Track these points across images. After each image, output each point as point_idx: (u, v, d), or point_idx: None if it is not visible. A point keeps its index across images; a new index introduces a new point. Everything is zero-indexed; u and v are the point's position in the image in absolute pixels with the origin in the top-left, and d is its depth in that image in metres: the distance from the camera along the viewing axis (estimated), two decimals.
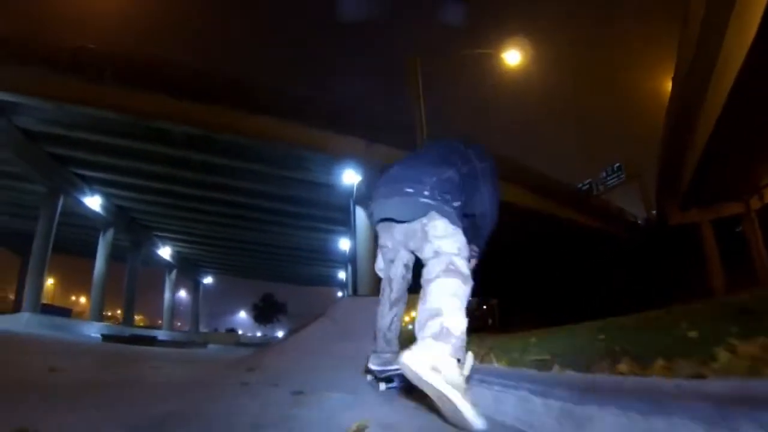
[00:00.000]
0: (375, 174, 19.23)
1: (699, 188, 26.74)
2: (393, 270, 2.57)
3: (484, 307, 77.34)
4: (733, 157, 23.22)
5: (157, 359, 5.16)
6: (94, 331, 18.55)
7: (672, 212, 30.84)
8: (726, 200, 29.51)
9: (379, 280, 2.71)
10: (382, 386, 2.61)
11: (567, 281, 45.61)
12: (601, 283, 41.07)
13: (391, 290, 2.58)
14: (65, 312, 33.26)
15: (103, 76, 16.81)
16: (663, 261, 37.07)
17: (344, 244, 25.97)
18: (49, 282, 62.55)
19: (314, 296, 79.51)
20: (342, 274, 34.27)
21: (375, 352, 2.56)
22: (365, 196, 19.14)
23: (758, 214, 30.45)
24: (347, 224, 20.62)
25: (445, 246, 2.00)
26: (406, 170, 2.40)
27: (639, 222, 40.93)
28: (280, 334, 69.51)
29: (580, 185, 52.84)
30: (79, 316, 32.86)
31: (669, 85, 23.75)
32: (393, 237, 2.48)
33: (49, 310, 26.69)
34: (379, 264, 2.71)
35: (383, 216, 2.46)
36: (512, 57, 13.87)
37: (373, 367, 2.54)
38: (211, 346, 19.90)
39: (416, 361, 1.59)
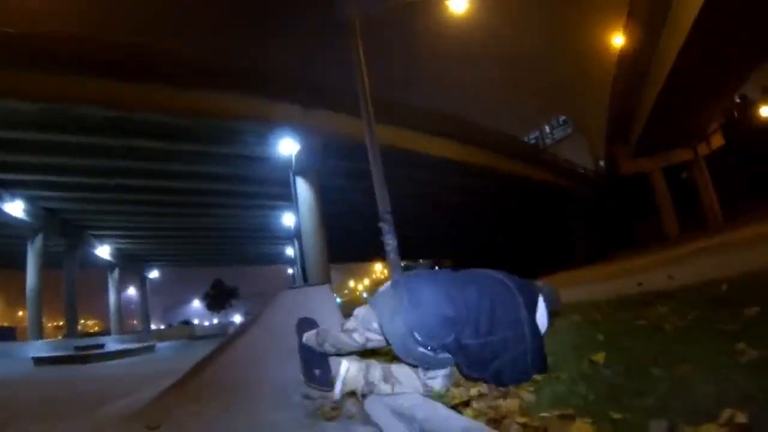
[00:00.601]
0: (315, 142, 18.56)
1: (649, 137, 27.44)
2: None
3: (437, 268, 78.01)
4: (682, 106, 23.95)
5: (49, 406, 4.09)
6: (34, 351, 16.91)
7: (623, 162, 31.60)
8: (675, 147, 30.46)
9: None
10: None
11: (524, 238, 46.43)
12: (559, 238, 41.90)
13: None
14: (9, 332, 30.89)
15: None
16: (618, 210, 37.93)
17: (288, 219, 24.98)
18: None
19: (265, 275, 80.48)
20: (290, 251, 33.56)
21: None
22: (305, 167, 18.62)
23: (706, 159, 31.56)
24: (290, 198, 19.61)
25: None
26: None
27: (589, 174, 41.45)
28: (237, 319, 69.84)
29: (527, 138, 53.13)
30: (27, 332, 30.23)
31: (616, 44, 24.12)
32: None
33: None
34: None
35: None
36: (458, 3, 12.66)
37: None
38: (161, 346, 18.88)
39: None
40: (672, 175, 32.44)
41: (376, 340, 2.12)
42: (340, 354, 2.35)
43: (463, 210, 36.60)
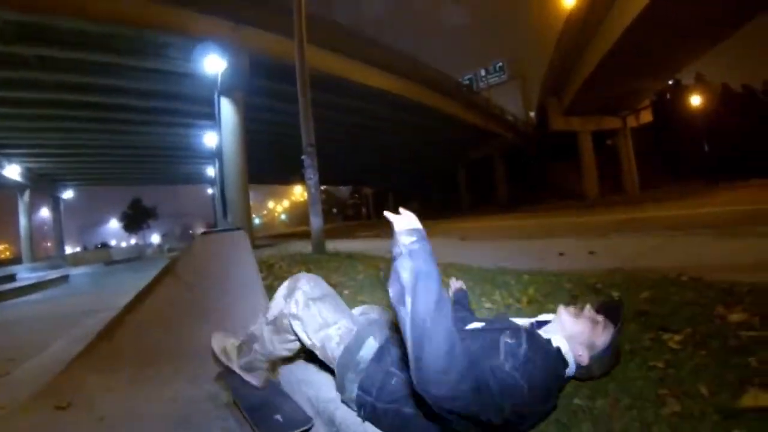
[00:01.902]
0: (243, 61, 17.82)
1: (584, 98, 28.31)
2: None
3: (356, 196, 78.99)
4: (622, 75, 25.03)
5: None
6: None
7: (554, 117, 32.54)
8: (606, 114, 31.87)
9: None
10: None
11: (447, 175, 47.70)
12: (483, 181, 43.39)
13: None
14: None
15: None
16: (542, 162, 39.45)
17: (210, 138, 24.08)
18: None
19: (185, 195, 78.79)
20: (211, 171, 32.59)
21: None
22: (231, 86, 17.87)
23: (633, 131, 33.46)
24: (212, 117, 19.13)
25: None
26: None
27: (518, 123, 42.60)
28: (155, 239, 68.18)
29: (462, 79, 53.38)
30: None
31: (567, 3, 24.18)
32: None
33: None
34: None
35: None
36: None
37: None
38: (77, 273, 17.69)
39: None
40: (598, 140, 34.08)
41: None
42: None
43: (391, 143, 37.18)
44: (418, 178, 53.56)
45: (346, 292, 4.07)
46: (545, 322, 1.61)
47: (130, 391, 2.28)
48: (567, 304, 1.67)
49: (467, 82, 60.05)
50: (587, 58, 24.77)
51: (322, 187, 79.69)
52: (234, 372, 2.14)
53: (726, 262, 3.51)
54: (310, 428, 1.71)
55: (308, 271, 5.75)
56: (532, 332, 1.42)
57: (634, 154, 34.19)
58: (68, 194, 43.20)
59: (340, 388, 1.54)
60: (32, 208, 36.43)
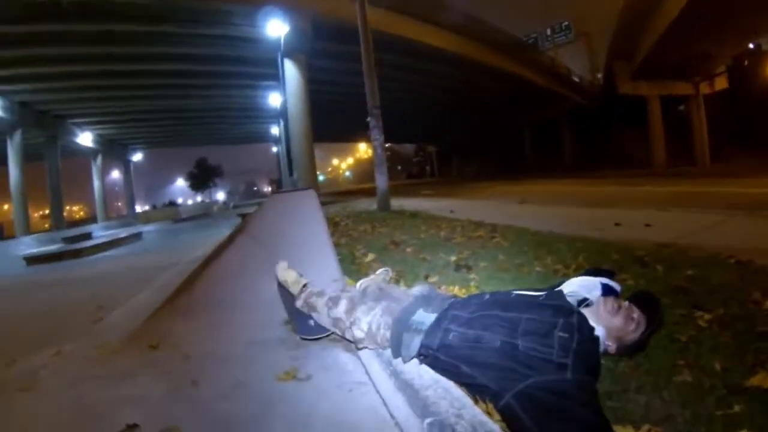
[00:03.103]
0: (305, 23, 17.94)
1: (654, 60, 26.51)
2: None
3: (421, 154, 78.42)
4: (697, 37, 22.88)
5: (51, 321, 4.07)
6: (23, 248, 16.99)
7: (622, 80, 30.69)
8: (677, 79, 29.81)
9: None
10: None
11: (511, 137, 46.61)
12: (546, 142, 42.16)
13: None
14: None
15: None
16: (609, 127, 37.77)
17: (275, 99, 24.56)
18: None
19: (249, 153, 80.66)
20: (275, 130, 33.56)
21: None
22: (294, 49, 18.03)
23: (706, 99, 31.15)
24: (277, 78, 19.26)
25: None
26: None
27: (584, 84, 40.72)
28: (220, 197, 70.72)
29: (526, 38, 51.21)
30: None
31: None
32: None
33: None
34: None
35: None
36: None
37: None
38: (147, 230, 19.01)
39: None
40: (669, 106, 32.07)
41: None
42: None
43: (454, 102, 36.56)
44: (482, 138, 52.43)
45: (408, 249, 4.30)
46: (584, 300, 1.70)
47: (209, 334, 2.61)
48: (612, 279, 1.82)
49: (532, 41, 57.56)
50: (658, 17, 22.97)
51: (387, 145, 79.63)
52: (291, 295, 2.47)
53: None
54: (330, 334, 2.21)
55: (373, 228, 6.09)
56: (581, 324, 1.52)
57: (707, 123, 31.98)
58: (137, 157, 45.42)
59: (396, 347, 1.75)
60: (104, 171, 38.58)
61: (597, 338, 1.52)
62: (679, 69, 28.10)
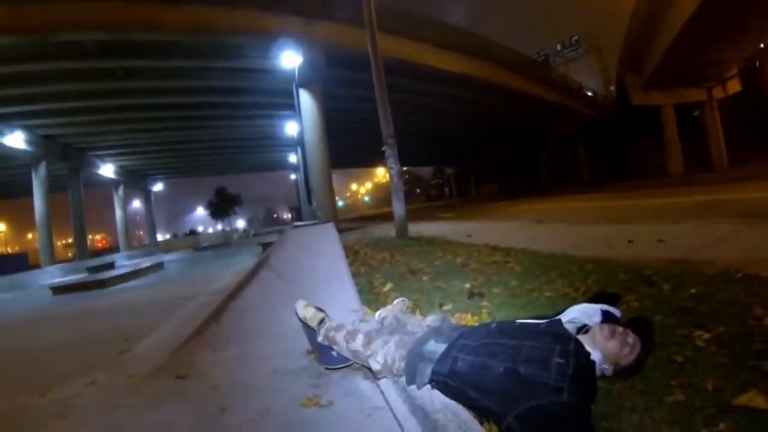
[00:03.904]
0: (318, 54, 18.37)
1: (665, 69, 26.48)
2: None
3: (439, 176, 78.64)
4: (706, 44, 23.02)
5: (80, 352, 4.21)
6: (48, 277, 17.44)
7: (634, 92, 30.68)
8: (689, 86, 29.76)
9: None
10: None
11: (527, 155, 46.56)
12: (561, 158, 42.03)
13: None
14: (21, 259, 31.58)
15: None
16: (624, 139, 37.62)
17: (291, 127, 25.12)
18: (0, 228, 60.51)
19: (268, 181, 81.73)
20: (293, 158, 34.04)
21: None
22: (308, 79, 18.52)
23: (720, 103, 30.93)
24: (293, 107, 19.87)
25: None
26: None
27: (597, 99, 40.71)
28: (240, 225, 71.51)
29: (536, 55, 51.50)
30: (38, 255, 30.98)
31: None
32: None
33: (2, 261, 26.00)
34: None
35: None
36: None
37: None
38: (169, 259, 19.39)
39: None
40: (682, 113, 31.90)
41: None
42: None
43: (468, 124, 36.90)
44: (498, 159, 52.71)
45: (425, 278, 4.43)
46: (584, 326, 1.86)
47: (236, 365, 2.75)
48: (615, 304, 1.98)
49: (543, 58, 57.86)
50: (667, 26, 23.03)
51: (405, 168, 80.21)
52: (312, 329, 2.61)
53: None
54: (351, 363, 2.34)
55: (392, 257, 6.23)
56: (577, 351, 1.64)
57: (722, 128, 31.72)
58: (158, 187, 46.51)
59: (410, 376, 1.89)
60: (126, 201, 39.60)
61: (593, 363, 1.64)
62: (691, 76, 28.05)
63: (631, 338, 1.71)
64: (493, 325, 1.98)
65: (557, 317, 1.94)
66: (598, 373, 1.66)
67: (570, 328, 1.84)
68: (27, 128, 22.96)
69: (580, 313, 1.93)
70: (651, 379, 1.68)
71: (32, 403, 2.66)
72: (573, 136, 40.56)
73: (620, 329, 1.75)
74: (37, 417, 2.40)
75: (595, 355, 1.67)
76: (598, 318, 1.89)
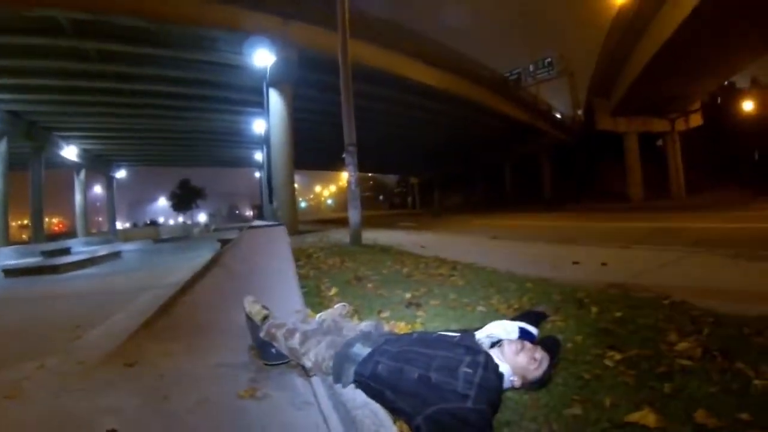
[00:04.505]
0: (291, 54, 18.37)
1: (631, 99, 27.53)
2: None
3: (403, 185, 79.13)
4: (671, 77, 23.97)
5: (30, 336, 4.22)
6: (1, 258, 16.82)
7: (602, 117, 31.77)
8: (654, 116, 30.93)
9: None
10: None
11: (493, 170, 47.32)
12: (526, 176, 42.93)
13: None
14: None
15: None
16: (589, 162, 38.70)
17: (259, 125, 24.93)
18: None
19: (232, 177, 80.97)
20: (259, 156, 33.70)
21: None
22: (279, 79, 18.50)
23: (682, 135, 32.28)
24: (262, 106, 19.73)
25: None
26: None
27: (565, 121, 41.81)
28: (202, 219, 70.60)
29: (509, 74, 52.48)
30: None
31: None
32: None
33: None
34: None
35: None
36: None
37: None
38: (127, 249, 18.70)
39: None
40: (646, 141, 33.22)
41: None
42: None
43: (436, 135, 37.32)
44: (463, 171, 53.33)
45: (369, 285, 4.55)
46: (498, 341, 2.03)
47: (183, 356, 2.83)
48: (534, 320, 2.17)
49: (515, 76, 58.88)
50: (636, 57, 24.08)
51: (370, 175, 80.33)
52: (256, 325, 2.72)
53: (729, 287, 3.63)
54: (289, 361, 2.45)
55: (342, 262, 6.35)
56: (486, 362, 1.81)
57: (683, 159, 32.99)
58: (121, 173, 45.39)
59: (337, 374, 2.04)
60: (87, 186, 38.51)
61: (501, 375, 1.81)
62: (656, 106, 29.22)
63: (539, 354, 1.88)
64: (415, 335, 2.18)
65: (474, 331, 2.12)
66: (507, 384, 1.82)
67: (485, 342, 2.02)
68: None
69: (499, 329, 2.12)
70: (556, 393, 1.83)
71: None
72: (539, 155, 41.53)
73: (529, 345, 1.92)
74: None
75: (504, 368, 1.83)
76: (515, 335, 2.08)
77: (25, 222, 41.36)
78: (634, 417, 1.57)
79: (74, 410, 2.13)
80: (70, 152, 32.40)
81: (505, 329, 2.13)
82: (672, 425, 1.53)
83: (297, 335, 2.37)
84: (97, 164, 39.11)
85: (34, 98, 23.04)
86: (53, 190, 35.16)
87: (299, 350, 2.29)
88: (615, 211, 20.77)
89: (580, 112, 43.37)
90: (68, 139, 31.56)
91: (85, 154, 35.25)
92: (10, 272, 11.42)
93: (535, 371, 1.85)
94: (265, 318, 2.70)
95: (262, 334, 2.59)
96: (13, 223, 42.30)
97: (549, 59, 66.00)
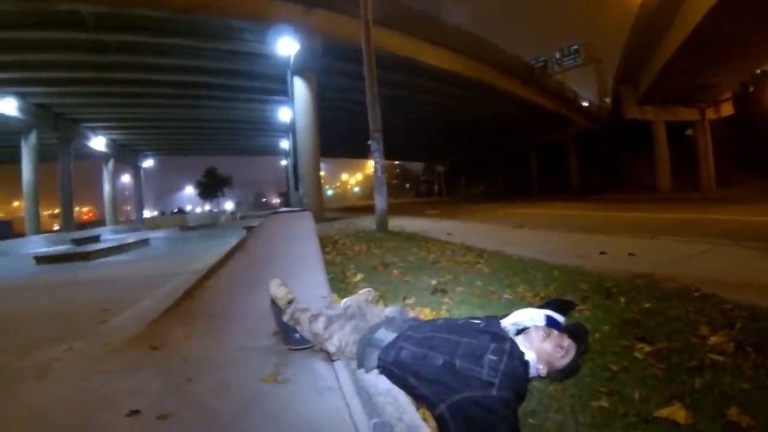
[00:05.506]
0: (315, 43, 18.31)
1: (659, 87, 26.71)
2: None
3: (429, 173, 78.81)
4: (700, 65, 23.18)
5: (60, 320, 4.31)
6: (32, 247, 17.41)
7: (629, 105, 30.86)
8: (683, 104, 29.93)
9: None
10: None
11: (518, 158, 46.73)
12: (552, 165, 42.28)
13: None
14: (4, 226, 31.26)
15: None
16: (616, 151, 37.91)
17: (285, 113, 24.75)
18: None
19: (259, 165, 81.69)
20: (285, 143, 33.47)
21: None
22: (304, 67, 18.42)
23: (713, 124, 31.26)
24: (287, 94, 19.63)
25: None
26: None
27: (592, 109, 40.94)
28: (228, 207, 71.63)
29: (535, 61, 51.61)
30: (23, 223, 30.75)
31: None
32: None
33: None
34: None
35: None
36: None
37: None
38: (155, 237, 19.07)
39: None
40: (675, 131, 32.24)
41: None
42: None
43: (461, 123, 36.91)
44: (490, 159, 52.80)
45: (395, 271, 4.56)
46: (524, 328, 1.99)
47: (207, 340, 2.87)
48: (563, 308, 2.12)
49: (541, 64, 57.87)
50: (664, 45, 23.25)
51: (396, 163, 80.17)
52: (280, 308, 2.75)
53: (761, 281, 3.49)
54: (312, 346, 2.46)
55: (368, 249, 6.37)
56: (512, 350, 1.77)
57: (713, 149, 32.08)
58: (148, 163, 46.06)
59: (360, 359, 2.05)
60: (115, 175, 39.08)
61: (527, 362, 1.76)
62: (685, 95, 28.34)
63: (566, 342, 1.82)
64: (440, 321, 2.16)
65: (500, 318, 2.08)
66: (532, 373, 1.78)
67: (511, 329, 1.98)
68: (20, 95, 22.66)
69: (525, 317, 2.07)
70: (583, 384, 1.78)
71: (12, 363, 2.77)
72: (565, 143, 40.82)
73: (556, 333, 1.87)
74: (15, 376, 2.51)
75: (530, 356, 1.79)
76: (541, 323, 2.02)
77: (56, 211, 42.37)
78: (664, 412, 1.53)
79: (100, 391, 2.19)
80: (97, 143, 33.04)
81: (531, 317, 2.07)
82: (703, 422, 1.49)
83: (321, 320, 2.37)
84: (124, 154, 39.76)
85: (61, 91, 23.44)
86: (83, 180, 36.05)
87: (323, 335, 2.30)
88: (642, 201, 20.32)
89: (607, 100, 42.42)
90: (95, 130, 32.14)
91: (112, 144, 35.89)
92: (41, 259, 11.77)
93: (562, 360, 1.80)
94: (290, 302, 2.73)
95: (286, 318, 2.61)
96: (45, 213, 43.49)
97: (575, 46, 64.66)
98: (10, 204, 63.71)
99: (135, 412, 1.86)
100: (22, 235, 22.63)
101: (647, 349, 2.04)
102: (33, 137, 24.55)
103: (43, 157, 25.71)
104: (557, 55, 65.92)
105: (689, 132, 33.65)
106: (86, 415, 1.93)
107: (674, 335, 2.20)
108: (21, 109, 23.07)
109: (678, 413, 1.51)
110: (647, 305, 2.72)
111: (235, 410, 1.90)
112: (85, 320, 4.03)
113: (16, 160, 26.01)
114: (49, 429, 1.88)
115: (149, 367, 2.46)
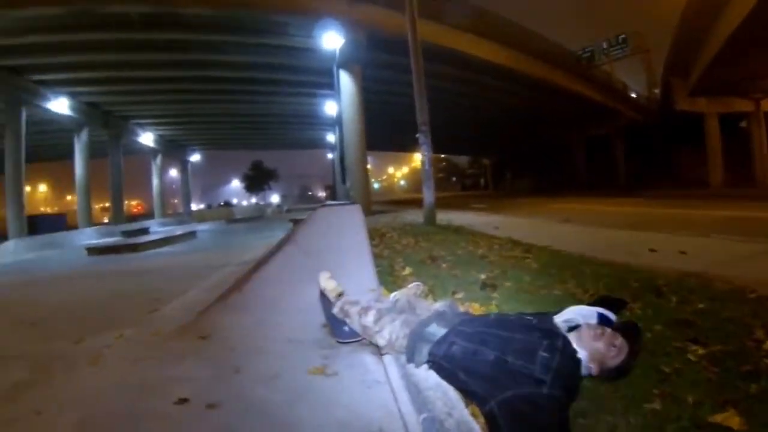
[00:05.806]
0: (360, 35, 18.30)
1: (711, 77, 25.34)
2: None
3: (475, 166, 77.88)
4: (757, 52, 21.72)
5: (111, 309, 4.58)
6: (84, 238, 18.26)
7: (680, 97, 29.36)
8: (736, 95, 28.34)
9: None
10: None
11: (564, 152, 45.64)
12: (599, 159, 41.13)
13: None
14: (60, 220, 32.60)
15: None
16: (665, 145, 36.54)
17: (330, 107, 25.10)
18: (42, 189, 62.90)
19: (305, 158, 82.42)
20: (331, 137, 33.86)
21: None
22: (349, 60, 18.57)
23: (766, 116, 29.55)
24: (332, 87, 19.84)
25: None
26: None
27: (641, 101, 39.48)
28: (274, 200, 72.47)
29: (581, 51, 50.13)
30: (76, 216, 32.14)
31: None
32: None
33: (42, 220, 26.84)
34: None
35: None
36: None
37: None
38: (202, 229, 19.85)
39: None
40: (728, 123, 30.62)
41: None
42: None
43: (507, 115, 36.19)
44: (536, 153, 51.70)
45: (444, 265, 4.59)
46: (576, 326, 1.95)
47: (255, 331, 2.93)
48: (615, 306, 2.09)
49: (587, 54, 56.20)
50: (716, 31, 21.92)
51: (442, 156, 79.55)
52: (329, 301, 2.79)
53: None
54: (361, 339, 2.50)
55: (416, 242, 6.41)
56: (564, 347, 1.75)
57: None
58: (195, 157, 47.15)
59: (410, 353, 2.06)
60: (163, 170, 40.26)
61: (579, 360, 1.73)
62: (738, 85, 26.80)
63: (618, 341, 1.78)
64: (492, 316, 2.15)
65: (550, 315, 2.05)
66: (584, 371, 1.75)
67: (563, 326, 1.94)
68: (71, 95, 23.54)
69: (576, 314, 2.03)
70: (635, 385, 1.74)
71: (67, 349, 2.94)
72: (613, 137, 39.58)
73: (609, 331, 1.82)
74: (70, 361, 2.65)
75: (582, 354, 1.76)
76: (593, 320, 1.97)
77: (107, 204, 44.12)
78: (718, 418, 1.48)
79: (149, 378, 2.26)
80: (146, 138, 34.16)
81: (583, 315, 2.03)
82: (758, 429, 1.43)
83: (372, 313, 2.39)
84: (172, 149, 40.85)
85: (109, 89, 24.29)
86: (132, 174, 37.33)
87: (373, 328, 2.33)
88: (694, 197, 19.48)
89: (656, 91, 40.80)
90: (144, 126, 33.19)
91: (160, 139, 36.98)
92: (93, 250, 12.33)
93: (614, 359, 1.76)
94: (340, 295, 2.77)
95: (335, 311, 2.63)
96: (96, 206, 45.23)
97: (623, 36, 62.35)
98: (63, 198, 66.61)
99: (184, 401, 1.91)
100: (75, 227, 23.63)
101: (701, 351, 1.97)
102: (84, 134, 25.51)
103: (94, 153, 26.70)
104: (604, 45, 63.67)
105: (743, 124, 31.97)
106: (136, 401, 2.00)
107: (728, 338, 2.11)
108: (73, 108, 23.98)
109: (732, 419, 1.45)
110: (700, 306, 2.63)
111: (283, 402, 1.93)
112: (135, 309, 4.24)
113: (70, 157, 27.13)
114: (100, 414, 1.94)
115: (198, 356, 2.52)
